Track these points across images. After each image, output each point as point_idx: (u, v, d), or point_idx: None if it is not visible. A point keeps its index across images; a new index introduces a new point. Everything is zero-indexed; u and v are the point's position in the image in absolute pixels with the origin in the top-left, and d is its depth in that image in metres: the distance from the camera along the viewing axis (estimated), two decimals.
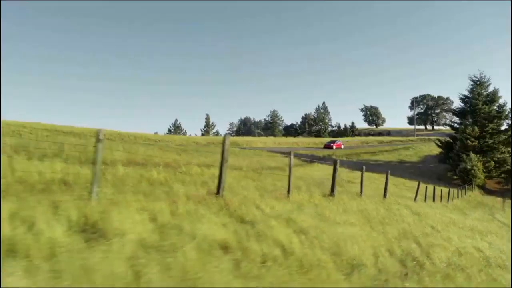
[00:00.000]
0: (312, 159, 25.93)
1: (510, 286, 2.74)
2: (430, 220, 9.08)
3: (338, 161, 8.93)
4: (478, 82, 39.76)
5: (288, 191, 7.43)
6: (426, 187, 17.35)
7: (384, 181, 12.17)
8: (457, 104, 53.47)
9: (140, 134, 31.52)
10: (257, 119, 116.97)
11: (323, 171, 22.74)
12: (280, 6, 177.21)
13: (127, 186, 6.46)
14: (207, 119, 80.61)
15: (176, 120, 66.44)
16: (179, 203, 4.87)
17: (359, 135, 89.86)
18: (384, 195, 11.92)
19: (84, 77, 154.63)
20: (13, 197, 3.87)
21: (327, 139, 61.38)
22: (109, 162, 8.54)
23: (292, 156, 7.56)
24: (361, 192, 10.67)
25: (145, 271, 2.60)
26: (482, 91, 39.27)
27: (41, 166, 6.77)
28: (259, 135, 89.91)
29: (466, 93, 40.46)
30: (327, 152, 40.44)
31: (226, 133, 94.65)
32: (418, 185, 15.39)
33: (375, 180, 20.54)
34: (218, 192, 5.88)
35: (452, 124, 43.06)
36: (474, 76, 40.12)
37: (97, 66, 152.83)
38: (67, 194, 5.06)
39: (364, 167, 11.21)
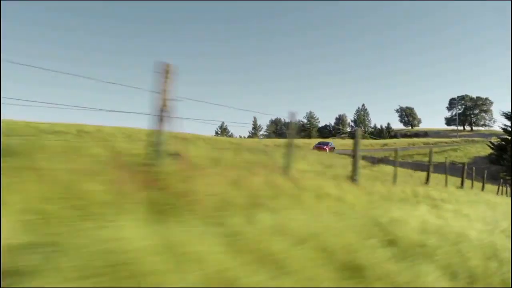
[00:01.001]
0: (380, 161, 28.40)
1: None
2: None
3: (466, 164, 11.96)
4: None
5: (427, 180, 10.58)
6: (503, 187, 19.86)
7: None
8: (498, 105, 53.08)
9: (216, 138, 35.62)
10: (287, 120, 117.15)
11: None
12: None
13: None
14: (255, 121, 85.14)
15: (223, 123, 70.77)
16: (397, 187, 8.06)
17: (395, 136, 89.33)
18: (482, 189, 14.92)
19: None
20: None
21: (370, 140, 62.82)
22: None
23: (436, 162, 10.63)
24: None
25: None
26: None
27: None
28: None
29: None
30: (382, 153, 42.51)
31: (262, 134, 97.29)
32: (499, 183, 18.19)
33: (442, 179, 23.03)
34: (427, 182, 9.13)
35: (505, 127, 43.92)
36: None
37: (97, 66, 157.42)
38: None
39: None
